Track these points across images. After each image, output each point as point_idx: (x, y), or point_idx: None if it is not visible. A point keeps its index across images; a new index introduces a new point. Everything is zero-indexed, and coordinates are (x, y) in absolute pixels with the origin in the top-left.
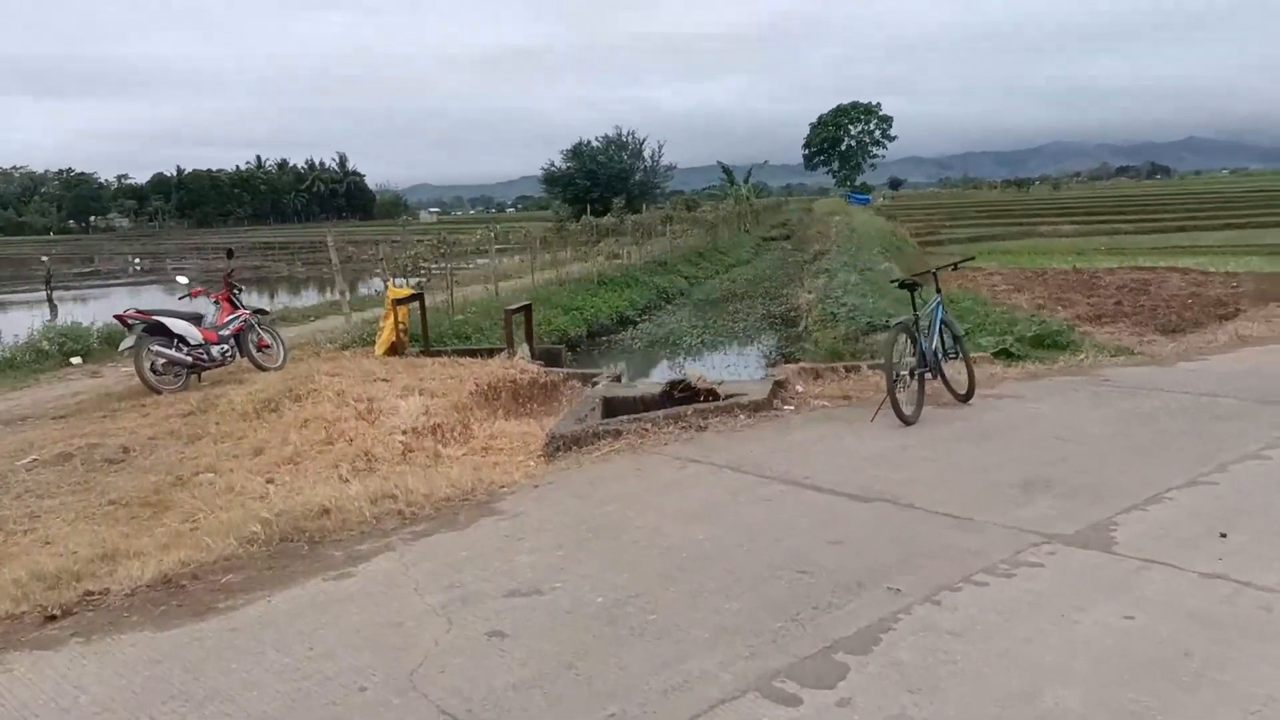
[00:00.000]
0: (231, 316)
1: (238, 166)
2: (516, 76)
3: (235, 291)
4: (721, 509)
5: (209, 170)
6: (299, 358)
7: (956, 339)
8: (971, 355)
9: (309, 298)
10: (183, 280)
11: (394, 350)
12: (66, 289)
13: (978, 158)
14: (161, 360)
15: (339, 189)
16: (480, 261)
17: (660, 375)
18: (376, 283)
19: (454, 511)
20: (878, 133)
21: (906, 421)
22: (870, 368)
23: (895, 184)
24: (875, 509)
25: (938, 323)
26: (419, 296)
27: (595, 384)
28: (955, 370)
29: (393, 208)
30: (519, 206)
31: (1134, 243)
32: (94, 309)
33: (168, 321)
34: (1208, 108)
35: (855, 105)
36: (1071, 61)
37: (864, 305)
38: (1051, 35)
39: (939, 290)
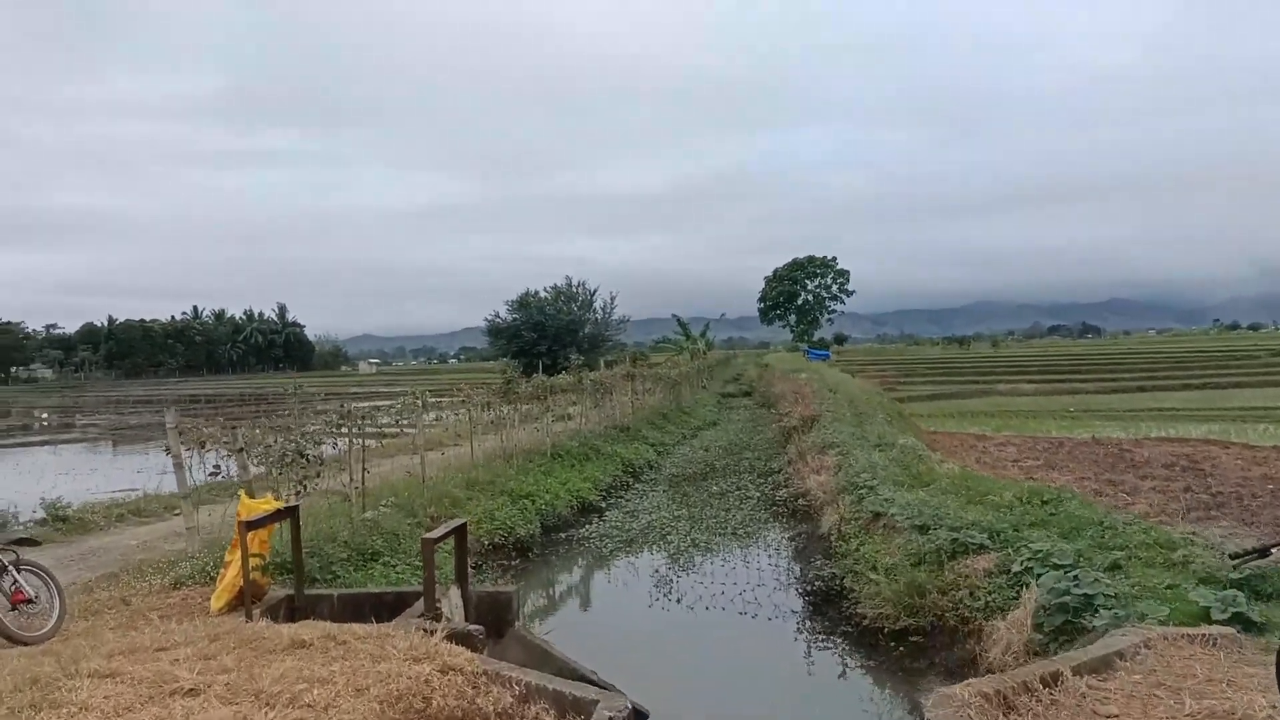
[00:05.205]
0: None
1: (172, 317)
2: (453, 230)
3: None
4: None
5: (141, 320)
6: (94, 608)
7: None
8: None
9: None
10: None
11: (243, 600)
12: None
13: (910, 315)
14: None
15: (277, 339)
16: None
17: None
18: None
19: None
20: (834, 287)
21: None
22: (1075, 672)
23: (840, 339)
24: None
25: None
26: (290, 513)
27: None
28: None
29: (332, 359)
30: (462, 357)
31: (1101, 403)
32: None
33: None
34: (1127, 270)
35: (811, 260)
36: (987, 226)
37: (930, 507)
38: (962, 203)
39: None
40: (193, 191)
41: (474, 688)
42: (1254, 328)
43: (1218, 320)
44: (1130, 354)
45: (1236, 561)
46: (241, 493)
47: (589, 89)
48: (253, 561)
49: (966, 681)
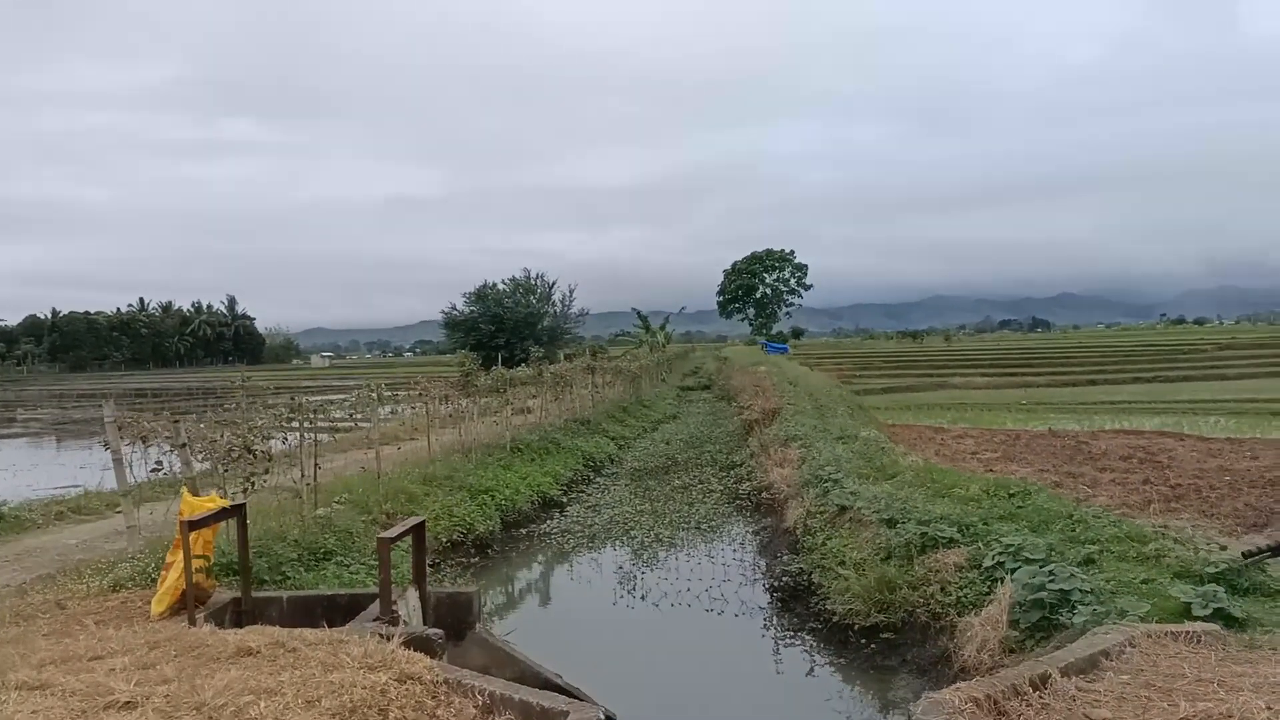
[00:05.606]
0: None
1: (118, 309)
2: (414, 223)
3: None
4: None
5: (85, 313)
6: (26, 612)
7: None
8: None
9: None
10: None
11: (186, 604)
12: None
13: (866, 309)
14: None
15: (226, 332)
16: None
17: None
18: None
19: None
20: (793, 281)
21: None
22: (1063, 673)
23: (797, 333)
24: None
25: None
26: (236, 511)
27: None
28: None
29: (284, 352)
30: (418, 351)
31: (1053, 396)
32: None
33: None
34: (1077, 266)
35: (770, 253)
36: (946, 222)
37: (897, 500)
38: (924, 198)
39: None
40: (146, 183)
41: (434, 698)
42: (1199, 322)
43: (1164, 315)
44: (1080, 348)
45: (1251, 560)
46: (184, 490)
47: (559, 84)
48: (196, 563)
49: (955, 686)
